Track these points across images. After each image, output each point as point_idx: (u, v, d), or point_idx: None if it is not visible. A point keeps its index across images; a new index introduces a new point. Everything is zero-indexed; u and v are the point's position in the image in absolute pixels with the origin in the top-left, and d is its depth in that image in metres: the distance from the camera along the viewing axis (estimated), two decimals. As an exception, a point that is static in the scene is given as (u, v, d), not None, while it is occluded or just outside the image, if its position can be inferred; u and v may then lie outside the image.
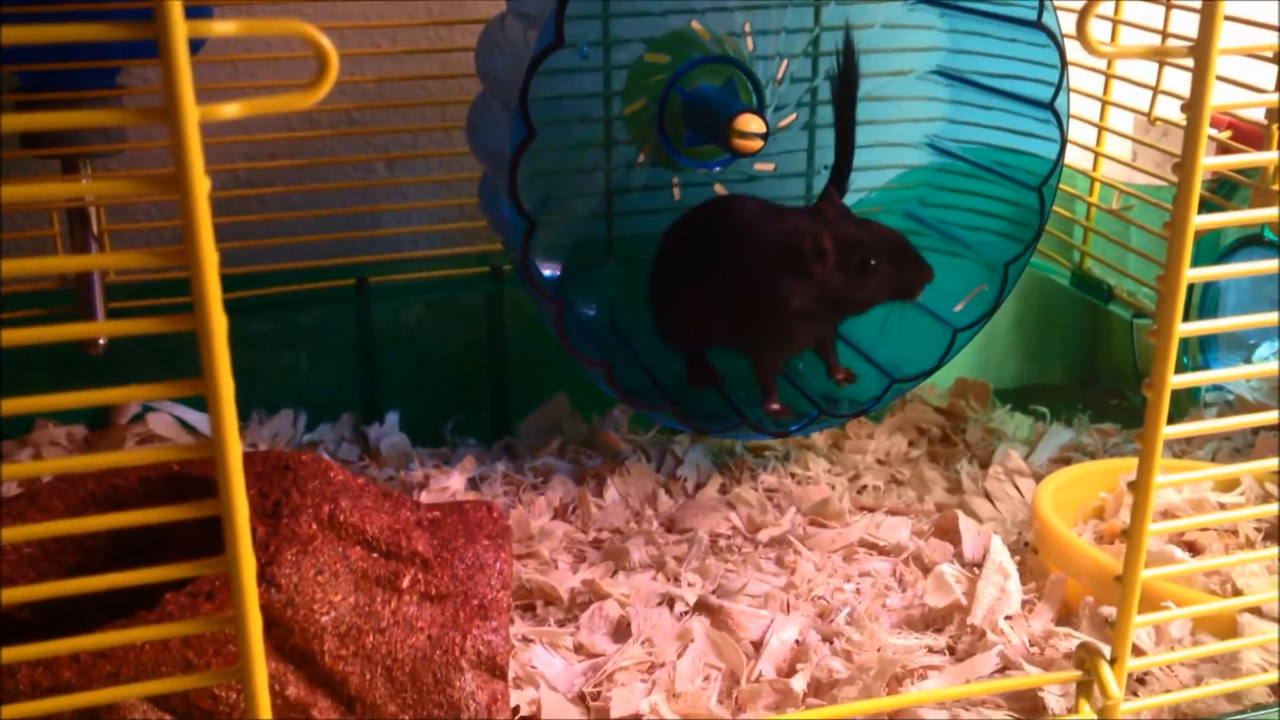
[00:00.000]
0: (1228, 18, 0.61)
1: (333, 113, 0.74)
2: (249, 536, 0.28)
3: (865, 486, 0.66)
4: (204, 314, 0.27)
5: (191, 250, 0.27)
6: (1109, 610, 0.47)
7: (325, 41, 0.26)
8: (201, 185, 0.26)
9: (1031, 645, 0.48)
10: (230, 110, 0.26)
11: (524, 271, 0.60)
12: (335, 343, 0.72)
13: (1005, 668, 0.47)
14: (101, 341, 0.64)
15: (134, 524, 0.29)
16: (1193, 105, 0.32)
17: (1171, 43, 0.65)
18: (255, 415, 0.70)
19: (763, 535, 0.60)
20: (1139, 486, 0.34)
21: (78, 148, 0.64)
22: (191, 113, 0.26)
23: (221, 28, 0.26)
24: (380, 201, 0.76)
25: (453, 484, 0.63)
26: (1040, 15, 0.59)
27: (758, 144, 0.62)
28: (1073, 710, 0.37)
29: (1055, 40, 0.59)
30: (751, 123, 0.61)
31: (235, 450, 0.28)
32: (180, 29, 0.25)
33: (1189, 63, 0.32)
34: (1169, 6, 0.63)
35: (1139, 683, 0.45)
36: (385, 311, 0.72)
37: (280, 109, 0.27)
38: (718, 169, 0.68)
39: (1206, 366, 0.69)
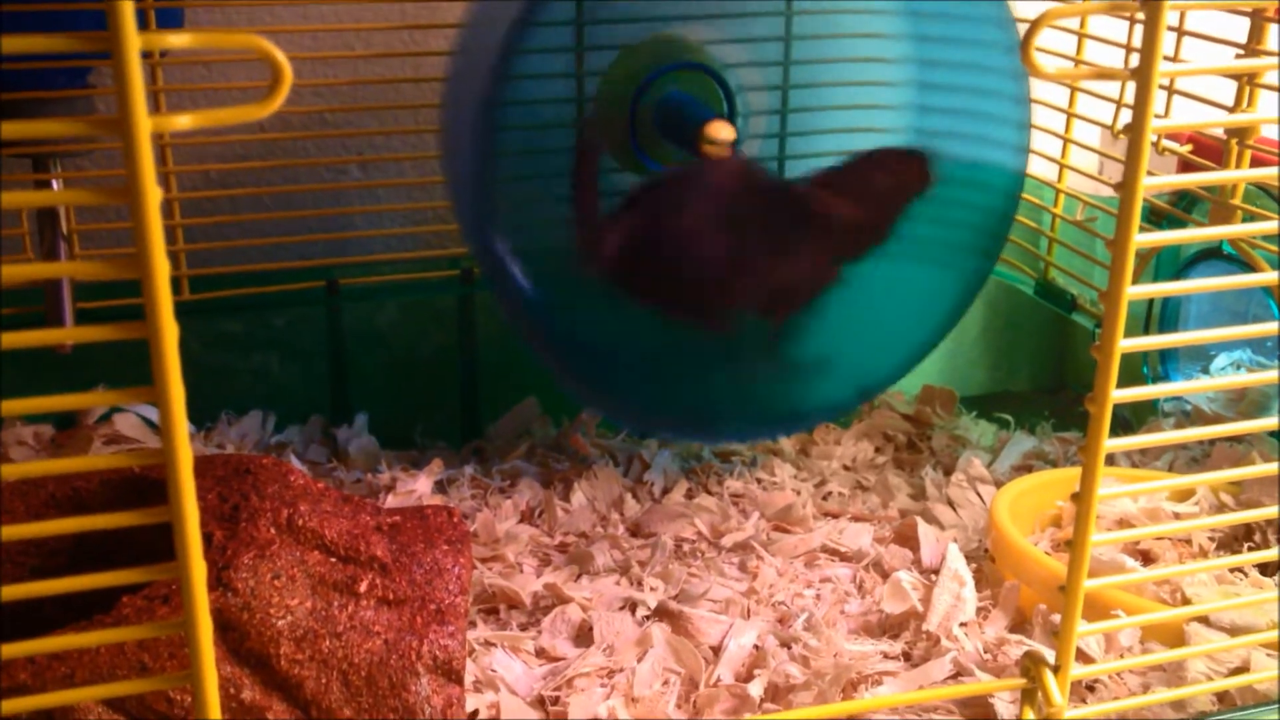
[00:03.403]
0: (1192, 34, 0.62)
1: (306, 114, 0.74)
2: (200, 544, 0.28)
3: (830, 492, 0.66)
4: (155, 323, 0.27)
5: (143, 259, 0.27)
6: (1060, 618, 0.48)
7: (279, 55, 0.27)
8: (153, 195, 0.27)
9: (985, 652, 0.49)
10: (183, 121, 0.27)
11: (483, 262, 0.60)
12: (306, 344, 0.72)
13: (958, 674, 0.47)
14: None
15: (91, 529, 0.29)
16: (1134, 128, 0.32)
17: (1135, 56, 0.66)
18: (225, 416, 0.70)
19: (726, 540, 0.60)
20: (1081, 500, 0.34)
21: (48, 146, 0.64)
22: (144, 124, 0.26)
23: (175, 40, 0.26)
24: (353, 204, 0.76)
25: (419, 487, 0.63)
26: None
27: (727, 151, 0.62)
28: (1019, 717, 0.38)
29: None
30: (721, 130, 0.62)
31: (186, 457, 0.28)
32: (133, 40, 0.25)
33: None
34: (1132, 22, 0.64)
35: (1089, 690, 0.46)
36: (356, 314, 0.73)
37: (234, 121, 0.27)
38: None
39: (1166, 376, 0.70)
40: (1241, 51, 0.58)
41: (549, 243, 0.68)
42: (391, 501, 0.62)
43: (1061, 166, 0.72)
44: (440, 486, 0.65)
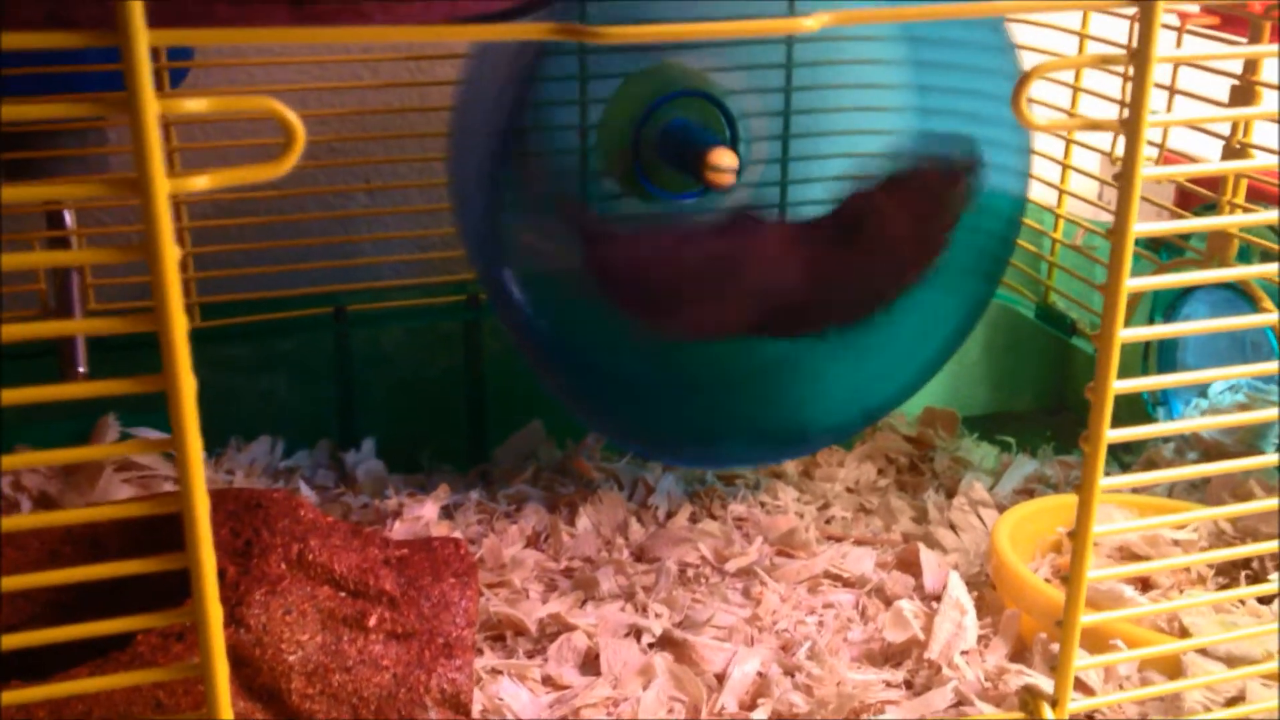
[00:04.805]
0: (1187, 62, 0.63)
1: (314, 143, 0.75)
2: (216, 590, 0.29)
3: (833, 516, 0.67)
4: (173, 377, 0.28)
5: (161, 315, 0.28)
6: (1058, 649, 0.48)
7: (293, 118, 0.28)
8: (171, 254, 0.27)
9: (985, 681, 0.49)
10: (200, 182, 0.28)
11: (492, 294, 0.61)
12: (314, 369, 0.73)
13: (959, 703, 0.48)
14: (81, 369, 0.64)
15: (107, 575, 0.30)
16: (1124, 174, 0.33)
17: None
18: (233, 441, 0.71)
19: (730, 565, 0.61)
20: (1077, 537, 0.35)
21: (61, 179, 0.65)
22: (162, 186, 0.27)
23: (193, 105, 0.27)
24: (360, 231, 0.77)
25: (426, 513, 0.64)
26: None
27: (730, 178, 0.63)
28: (1018, 749, 0.39)
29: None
30: (724, 157, 0.63)
31: (203, 506, 0.29)
32: (151, 106, 0.26)
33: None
34: (1125, 78, 0.65)
35: (1088, 719, 0.47)
36: (363, 339, 0.73)
37: (248, 180, 0.28)
38: (690, 200, 0.70)
39: (1165, 400, 0.70)
40: (1236, 81, 0.59)
41: (554, 268, 0.69)
42: (399, 528, 0.63)
43: (1061, 192, 0.73)
44: (447, 512, 0.66)
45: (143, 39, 0.25)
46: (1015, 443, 0.74)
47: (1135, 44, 0.33)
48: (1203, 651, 0.46)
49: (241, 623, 0.39)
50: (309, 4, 0.33)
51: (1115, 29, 0.69)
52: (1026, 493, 0.68)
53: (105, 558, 0.46)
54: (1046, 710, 0.37)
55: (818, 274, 0.60)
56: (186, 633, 0.39)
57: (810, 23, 0.28)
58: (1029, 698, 0.38)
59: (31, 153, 0.63)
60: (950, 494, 0.68)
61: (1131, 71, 0.32)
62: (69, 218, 0.67)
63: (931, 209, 0.60)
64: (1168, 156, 0.67)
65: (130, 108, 0.26)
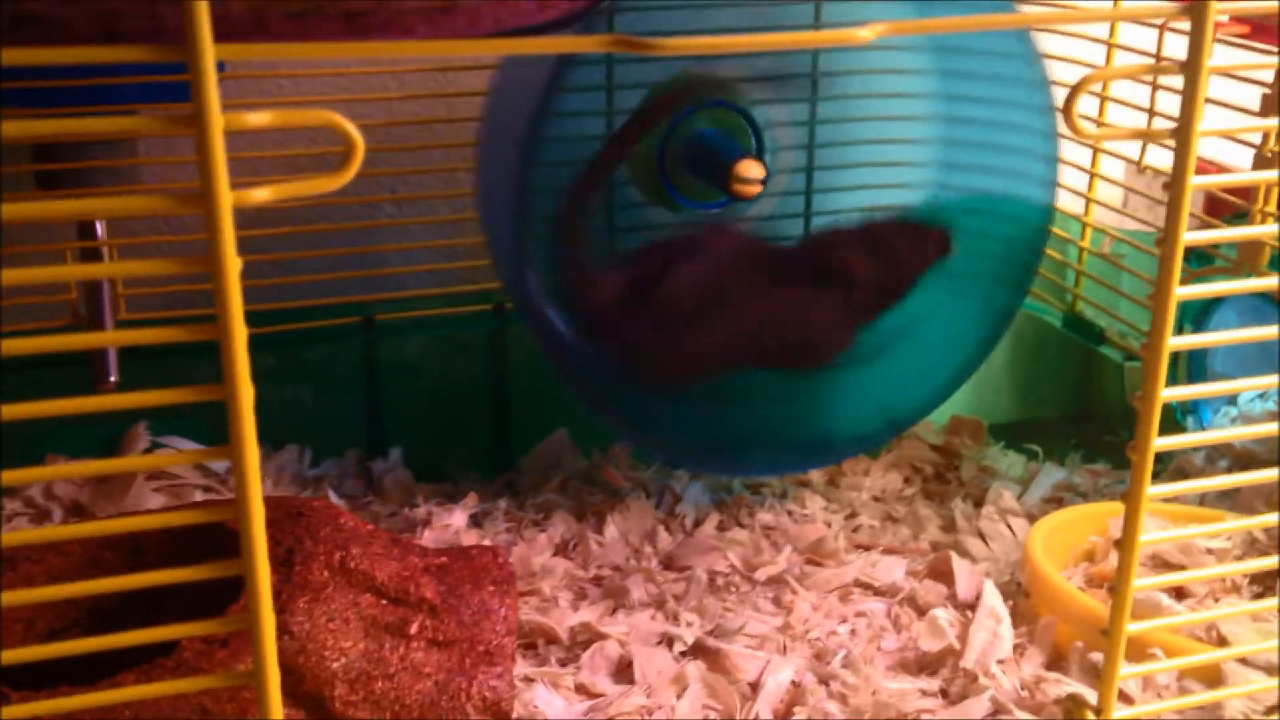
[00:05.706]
0: (1219, 71, 0.63)
1: (341, 154, 0.75)
2: (270, 598, 0.29)
3: (861, 525, 0.67)
4: (233, 386, 0.28)
5: (224, 326, 0.28)
6: (1097, 656, 0.48)
7: (353, 130, 0.28)
8: (234, 266, 0.28)
9: (1022, 689, 0.49)
10: (261, 195, 0.28)
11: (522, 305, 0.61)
12: (341, 378, 0.73)
13: (996, 712, 0.48)
14: (113, 379, 0.65)
15: (161, 583, 0.30)
16: (1175, 184, 0.33)
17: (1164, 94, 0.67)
18: (262, 450, 0.71)
19: (760, 574, 0.61)
20: (1124, 546, 0.35)
21: (93, 189, 0.65)
22: (226, 199, 0.27)
23: (256, 119, 0.27)
24: (387, 240, 0.77)
25: (455, 521, 0.64)
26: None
27: (757, 189, 0.63)
28: (1061, 758, 0.39)
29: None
30: (751, 168, 0.63)
31: (259, 514, 0.29)
32: (217, 121, 0.27)
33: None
34: (1154, 86, 0.65)
35: (1126, 728, 0.47)
36: (390, 348, 0.74)
37: (309, 192, 0.28)
38: (716, 210, 0.70)
39: (1195, 409, 0.70)
40: (1268, 90, 0.59)
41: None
42: (428, 536, 0.63)
43: (1088, 200, 0.73)
44: (475, 520, 0.66)
45: (209, 53, 0.26)
46: (1042, 451, 0.74)
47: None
48: (1243, 660, 0.46)
49: (286, 630, 0.39)
50: (359, 18, 0.33)
51: (1143, 37, 0.69)
52: (1055, 501, 0.68)
53: (145, 562, 0.47)
54: (1091, 718, 0.37)
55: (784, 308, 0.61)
56: (230, 638, 0.39)
57: (865, 33, 0.29)
58: (1073, 706, 0.38)
59: (63, 164, 0.64)
60: (978, 503, 0.68)
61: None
62: (100, 227, 0.67)
63: (904, 255, 0.61)
64: (1199, 165, 0.67)
65: (197, 123, 0.26)
